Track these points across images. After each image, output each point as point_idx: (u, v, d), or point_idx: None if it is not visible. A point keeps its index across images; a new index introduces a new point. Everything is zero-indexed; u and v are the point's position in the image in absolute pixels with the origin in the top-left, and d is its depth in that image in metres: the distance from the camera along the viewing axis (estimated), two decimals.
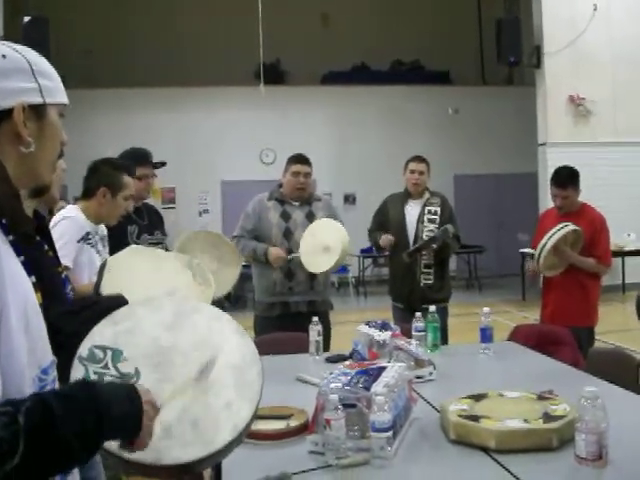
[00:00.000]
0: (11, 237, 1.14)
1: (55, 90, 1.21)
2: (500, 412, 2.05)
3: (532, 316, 8.25)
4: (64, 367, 1.29)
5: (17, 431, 0.95)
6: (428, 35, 13.37)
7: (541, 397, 2.21)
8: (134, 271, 2.03)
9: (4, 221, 1.12)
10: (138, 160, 3.58)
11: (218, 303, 8.26)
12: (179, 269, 2.18)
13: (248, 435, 2.05)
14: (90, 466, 2.05)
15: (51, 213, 2.79)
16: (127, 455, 1.18)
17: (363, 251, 11.33)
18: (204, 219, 12.03)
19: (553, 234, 3.98)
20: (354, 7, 13.30)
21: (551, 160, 8.48)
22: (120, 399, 1.11)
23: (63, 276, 1.91)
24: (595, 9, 9.07)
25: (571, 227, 3.98)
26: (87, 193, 2.90)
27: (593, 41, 9.04)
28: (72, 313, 1.47)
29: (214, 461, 1.33)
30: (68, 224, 2.74)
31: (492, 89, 13.45)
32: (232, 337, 1.41)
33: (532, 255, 4.22)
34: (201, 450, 1.24)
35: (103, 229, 3.00)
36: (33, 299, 1.12)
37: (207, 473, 2.29)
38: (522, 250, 9.87)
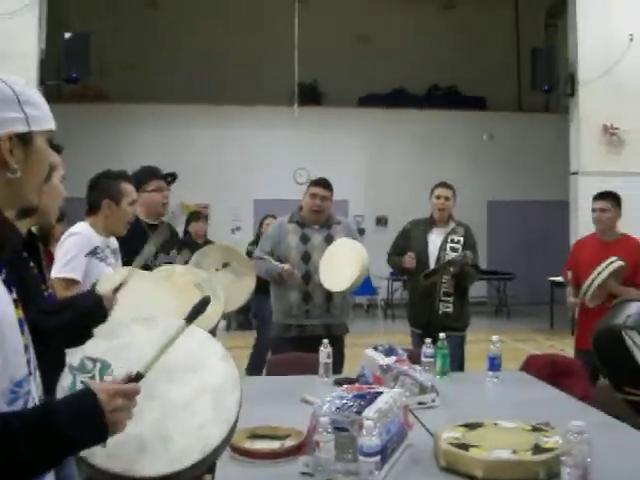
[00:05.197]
0: None
1: (42, 118, 1.29)
2: (491, 442, 2.08)
3: (559, 345, 8.17)
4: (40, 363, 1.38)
5: None
6: (465, 60, 13.41)
7: (536, 428, 2.23)
8: (127, 291, 2.11)
9: None
10: (153, 174, 3.66)
11: (245, 322, 8.19)
12: (173, 294, 2.26)
13: (242, 453, 2.14)
14: (65, 464, 2.11)
15: (46, 239, 2.84)
16: (96, 463, 1.26)
17: (393, 274, 11.33)
18: (236, 236, 12.17)
19: (601, 272, 4.02)
20: (392, 31, 13.42)
21: (583, 189, 8.44)
22: (79, 416, 1.16)
23: (47, 294, 1.98)
24: (631, 39, 9.03)
25: (617, 264, 4.03)
26: (92, 209, 2.95)
27: (628, 71, 8.98)
28: (48, 313, 1.56)
29: (183, 478, 1.39)
30: (75, 239, 2.81)
31: (528, 116, 13.41)
32: (216, 362, 1.49)
33: (567, 286, 4.35)
34: (167, 466, 1.31)
35: (114, 242, 3.04)
36: (11, 315, 1.19)
37: None
38: (551, 279, 9.83)
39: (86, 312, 1.74)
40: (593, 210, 4.36)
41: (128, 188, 3.02)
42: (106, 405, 1.19)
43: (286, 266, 4.06)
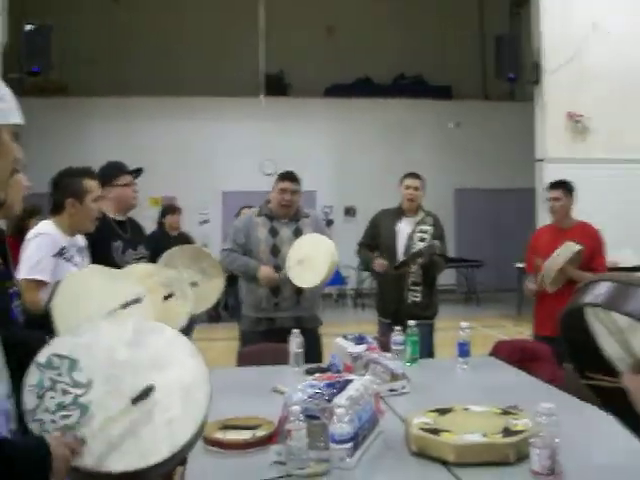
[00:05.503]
0: None
1: (7, 111, 1.27)
2: (462, 426, 2.10)
3: (527, 331, 8.26)
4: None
5: None
6: (431, 50, 13.48)
7: (505, 412, 2.26)
8: (88, 289, 2.10)
9: None
10: (119, 169, 3.61)
11: (215, 314, 8.22)
12: (134, 288, 2.24)
13: (214, 444, 2.13)
14: None
15: (21, 232, 2.83)
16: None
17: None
18: (204, 229, 12.10)
19: (559, 255, 4.08)
20: (358, 21, 13.43)
21: (548, 176, 8.50)
22: (31, 466, 1.21)
23: (12, 291, 1.95)
24: (594, 28, 9.13)
25: (575, 248, 4.09)
26: (56, 208, 2.92)
27: (592, 59, 9.08)
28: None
29: (153, 473, 1.39)
30: (42, 240, 2.78)
31: (493, 104, 13.52)
32: (185, 358, 1.49)
33: (526, 272, 4.38)
34: (137, 462, 1.31)
35: (81, 240, 3.01)
36: None
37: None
38: (518, 265, 9.95)
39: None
40: (547, 199, 4.44)
41: (91, 184, 2.98)
42: (55, 452, 1.23)
43: (266, 269, 4.03)
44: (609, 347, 1.32)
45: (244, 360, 3.71)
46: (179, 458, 1.41)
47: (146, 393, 1.40)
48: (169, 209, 7.00)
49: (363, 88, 13.67)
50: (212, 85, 12.31)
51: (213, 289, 3.59)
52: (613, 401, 1.39)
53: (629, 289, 1.13)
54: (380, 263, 4.51)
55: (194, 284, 3.33)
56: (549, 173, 8.68)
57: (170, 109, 12.42)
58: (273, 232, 4.17)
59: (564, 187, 4.42)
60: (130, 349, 1.46)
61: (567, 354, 1.43)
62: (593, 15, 9.16)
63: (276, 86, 12.94)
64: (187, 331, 1.99)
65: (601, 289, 1.18)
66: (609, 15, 9.21)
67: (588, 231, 4.39)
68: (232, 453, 2.11)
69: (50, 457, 1.22)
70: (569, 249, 4.10)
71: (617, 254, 8.74)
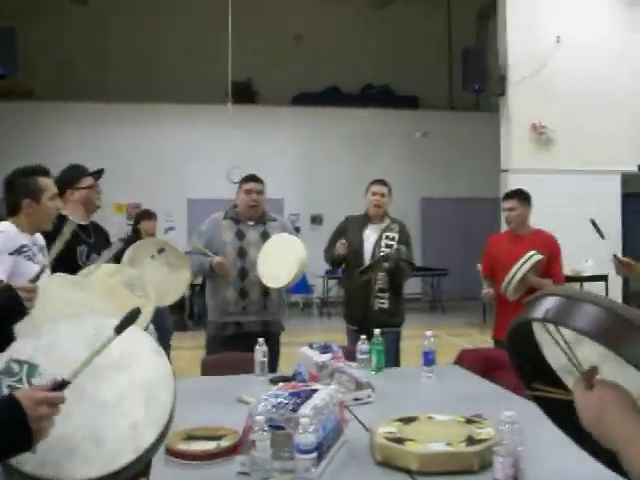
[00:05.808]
0: None
1: None
2: (426, 435, 2.10)
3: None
4: None
5: None
6: (398, 60, 13.59)
7: (469, 420, 2.27)
8: (53, 299, 2.06)
9: None
10: (81, 172, 3.57)
11: (181, 322, 8.15)
12: (104, 295, 2.22)
13: (178, 455, 2.10)
14: None
15: None
16: (28, 471, 1.22)
17: (328, 272, 11.37)
18: (169, 236, 11.97)
19: (521, 266, 4.12)
20: (327, 30, 13.49)
21: (512, 187, 8.61)
22: (2, 423, 1.14)
23: None
24: (558, 41, 9.31)
25: (536, 257, 4.14)
26: (13, 210, 2.87)
27: (556, 72, 9.27)
28: None
29: (117, 478, 1.36)
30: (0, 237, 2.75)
31: (460, 114, 13.67)
32: (149, 357, 1.46)
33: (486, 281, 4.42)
34: (100, 469, 1.28)
35: (40, 239, 2.97)
36: None
37: None
38: None
39: (1, 309, 1.67)
40: (503, 210, 4.49)
41: (47, 182, 2.94)
42: (30, 413, 1.15)
43: (217, 258, 4.04)
44: (556, 359, 1.33)
45: (208, 369, 3.68)
46: (144, 461, 1.38)
47: (132, 319, 1.35)
48: (144, 215, 6.91)
49: (331, 97, 13.72)
50: (181, 92, 12.25)
51: (180, 281, 3.57)
52: (556, 412, 1.40)
53: (575, 304, 1.13)
54: (340, 245, 4.50)
55: (161, 250, 3.32)
56: (514, 183, 8.77)
57: (139, 116, 12.33)
58: (240, 235, 4.18)
59: (518, 196, 4.46)
60: (91, 349, 1.42)
61: (513, 365, 1.44)
62: (558, 29, 9.35)
63: (244, 94, 12.91)
64: (163, 343, 1.96)
65: (548, 304, 1.18)
66: (573, 29, 9.41)
67: (545, 238, 4.45)
68: (196, 464, 2.08)
69: (26, 421, 1.16)
70: (532, 259, 4.15)
71: (578, 264, 8.92)
